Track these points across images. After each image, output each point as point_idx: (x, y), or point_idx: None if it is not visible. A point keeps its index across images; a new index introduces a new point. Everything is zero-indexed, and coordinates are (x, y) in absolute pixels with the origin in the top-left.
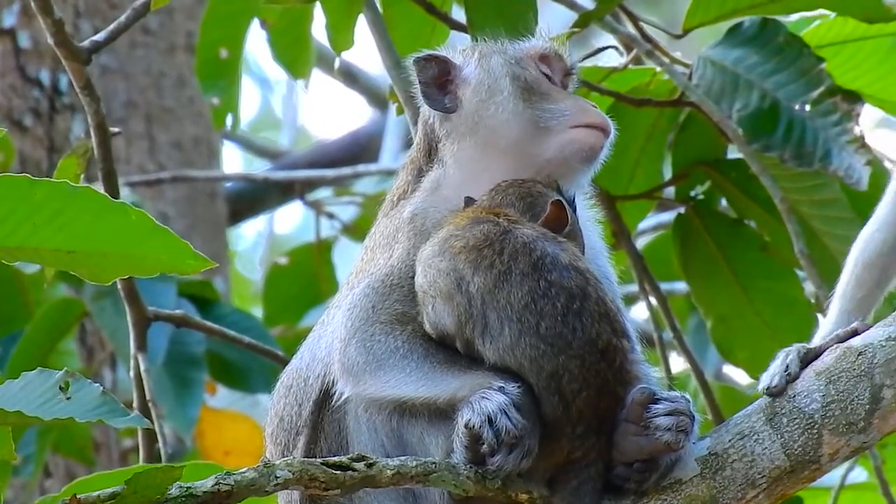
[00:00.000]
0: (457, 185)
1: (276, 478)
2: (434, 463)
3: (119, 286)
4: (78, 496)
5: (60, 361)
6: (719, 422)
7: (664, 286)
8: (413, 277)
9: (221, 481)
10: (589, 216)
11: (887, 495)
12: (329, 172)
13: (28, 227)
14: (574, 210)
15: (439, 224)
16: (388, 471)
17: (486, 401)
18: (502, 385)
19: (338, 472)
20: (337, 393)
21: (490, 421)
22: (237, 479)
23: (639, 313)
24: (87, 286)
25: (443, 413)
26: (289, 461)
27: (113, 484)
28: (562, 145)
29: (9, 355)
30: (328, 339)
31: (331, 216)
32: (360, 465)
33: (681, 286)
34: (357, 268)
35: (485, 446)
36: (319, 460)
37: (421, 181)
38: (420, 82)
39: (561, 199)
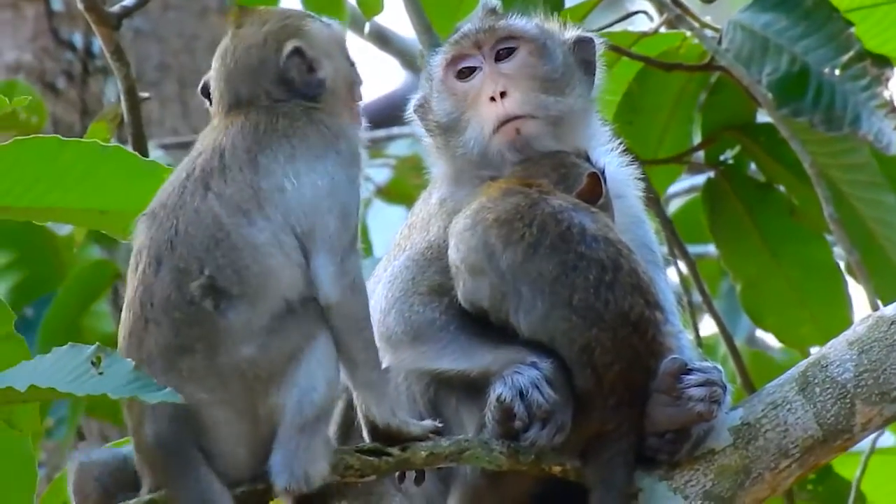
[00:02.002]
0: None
1: None
2: (467, 440)
3: None
4: None
5: (93, 324)
6: (749, 387)
7: (695, 249)
8: None
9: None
10: (628, 179)
11: None
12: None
13: (59, 188)
14: (605, 181)
15: (470, 198)
16: (422, 452)
17: (518, 375)
18: (535, 360)
19: (372, 458)
20: None
21: (521, 395)
22: None
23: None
24: (121, 248)
25: (477, 386)
26: None
27: None
28: (496, 155)
29: (41, 318)
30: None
31: (365, 178)
32: (394, 450)
33: (713, 249)
34: (396, 243)
35: (517, 421)
36: (353, 447)
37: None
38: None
39: (595, 170)
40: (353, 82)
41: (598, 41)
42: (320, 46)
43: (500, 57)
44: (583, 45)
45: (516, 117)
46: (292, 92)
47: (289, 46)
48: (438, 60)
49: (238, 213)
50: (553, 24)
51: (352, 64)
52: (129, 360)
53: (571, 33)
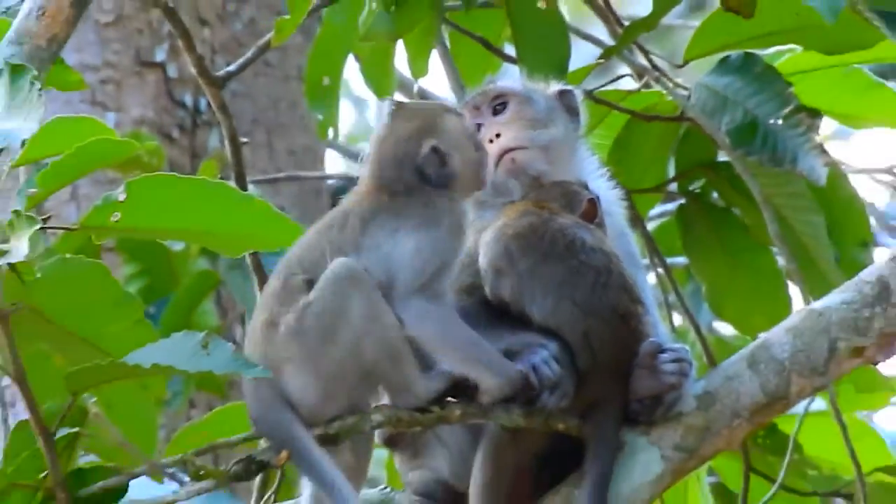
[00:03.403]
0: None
1: (372, 421)
2: (492, 404)
3: (247, 259)
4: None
5: (201, 319)
6: (712, 365)
7: (669, 260)
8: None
9: (328, 428)
10: (614, 200)
11: (839, 419)
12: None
13: (176, 213)
14: (600, 205)
15: (494, 218)
16: (457, 410)
17: (533, 354)
18: (545, 342)
19: (418, 414)
20: None
21: (535, 369)
22: (341, 424)
23: (649, 281)
24: (221, 259)
25: None
26: (380, 407)
27: (244, 413)
28: (503, 183)
29: (160, 315)
30: None
31: None
32: (435, 408)
33: (681, 260)
34: None
35: (531, 389)
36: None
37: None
38: None
39: (593, 196)
40: (481, 165)
41: (577, 91)
42: (453, 141)
43: (496, 112)
44: (566, 95)
45: (510, 149)
46: (424, 180)
47: (427, 146)
48: None
49: (339, 253)
50: (538, 83)
51: (478, 149)
52: (230, 343)
53: (556, 87)
